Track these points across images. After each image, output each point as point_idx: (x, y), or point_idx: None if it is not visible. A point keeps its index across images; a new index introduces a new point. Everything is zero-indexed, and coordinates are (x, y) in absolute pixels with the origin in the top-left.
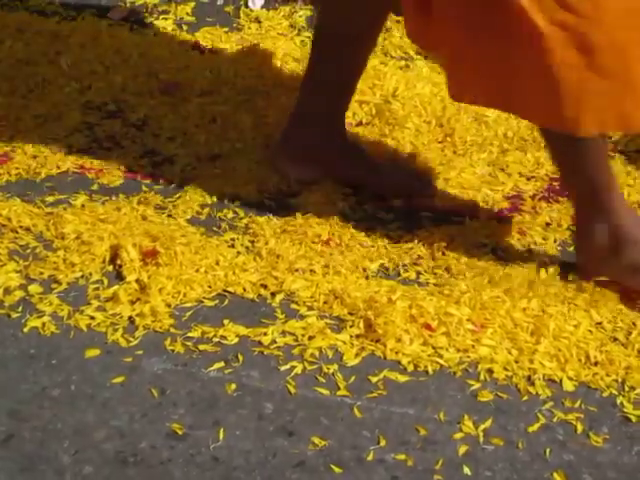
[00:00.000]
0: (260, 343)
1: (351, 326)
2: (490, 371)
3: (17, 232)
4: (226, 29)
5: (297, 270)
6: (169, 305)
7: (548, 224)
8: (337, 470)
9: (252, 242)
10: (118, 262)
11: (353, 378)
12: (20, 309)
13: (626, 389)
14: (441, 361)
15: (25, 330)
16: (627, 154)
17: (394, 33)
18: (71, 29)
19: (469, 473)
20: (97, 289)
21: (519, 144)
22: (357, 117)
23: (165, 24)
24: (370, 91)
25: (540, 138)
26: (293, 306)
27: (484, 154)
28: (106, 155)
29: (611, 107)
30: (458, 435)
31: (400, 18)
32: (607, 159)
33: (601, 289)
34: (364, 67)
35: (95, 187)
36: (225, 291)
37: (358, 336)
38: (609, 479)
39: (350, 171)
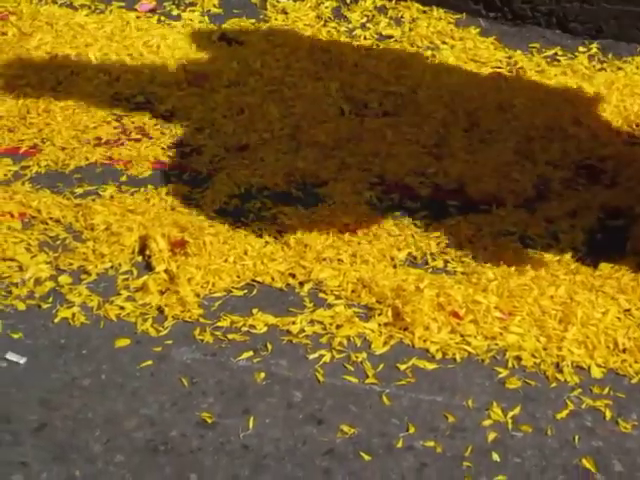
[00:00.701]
0: (289, 332)
1: (379, 314)
2: (518, 358)
3: (47, 224)
4: (253, 20)
5: (325, 259)
6: (198, 295)
7: (575, 212)
8: (366, 457)
9: (280, 232)
10: (147, 252)
11: (381, 366)
12: (50, 300)
13: None
14: (469, 349)
15: (55, 320)
16: None
17: (420, 23)
18: (99, 21)
19: (498, 460)
20: (126, 279)
21: (545, 133)
22: (383, 107)
23: (192, 16)
24: (396, 81)
25: (566, 126)
26: (321, 295)
27: (510, 143)
28: (135, 146)
29: None
30: (487, 422)
31: (426, 8)
32: None
33: (630, 276)
34: None
35: (124, 178)
36: (254, 281)
37: (386, 324)
38: (638, 465)
39: None
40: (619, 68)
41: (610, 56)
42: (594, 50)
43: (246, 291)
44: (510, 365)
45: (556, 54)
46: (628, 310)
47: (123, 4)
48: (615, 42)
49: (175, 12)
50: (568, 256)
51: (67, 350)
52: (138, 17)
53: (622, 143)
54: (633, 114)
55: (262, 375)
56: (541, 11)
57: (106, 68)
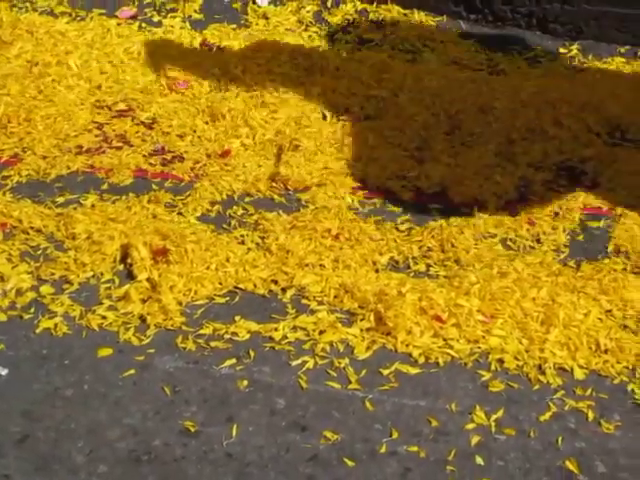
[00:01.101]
0: (271, 339)
1: (362, 320)
2: (501, 361)
3: (28, 233)
4: (234, 26)
5: (307, 265)
6: (180, 303)
7: (557, 213)
8: (350, 463)
9: (262, 238)
10: (129, 261)
11: (364, 371)
12: (32, 310)
13: (637, 376)
14: (452, 352)
15: (37, 331)
16: (635, 142)
17: (402, 26)
18: (80, 29)
19: (482, 463)
20: (108, 288)
21: (526, 134)
22: (365, 111)
23: (173, 22)
24: (378, 85)
25: (547, 128)
26: (304, 301)
27: (492, 145)
28: (116, 154)
29: None
30: (470, 426)
31: (407, 11)
32: None
33: (611, 277)
34: None
35: (105, 186)
36: (236, 288)
37: (369, 329)
38: (621, 466)
39: None
40: (599, 69)
41: (590, 57)
42: (574, 51)
43: (228, 298)
44: (493, 368)
45: (537, 55)
46: (609, 311)
47: (104, 11)
48: (595, 43)
49: (156, 18)
50: (550, 258)
51: (49, 360)
52: (119, 24)
53: (603, 144)
54: (613, 115)
55: (245, 382)
56: (521, 13)
57: (87, 76)
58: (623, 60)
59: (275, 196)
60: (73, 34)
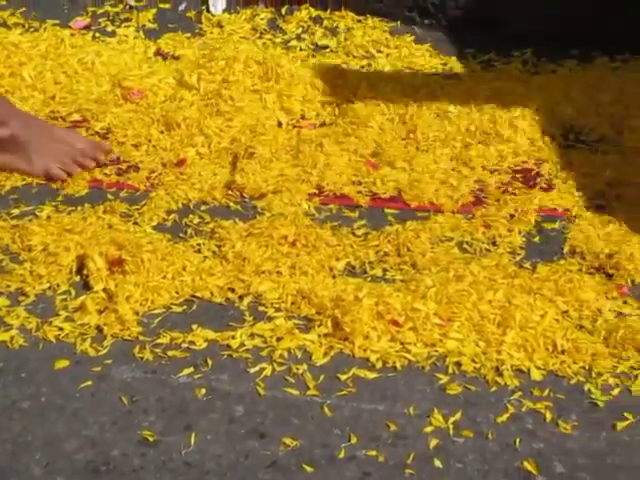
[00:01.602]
0: (229, 347)
1: (319, 325)
2: (458, 364)
3: None
4: (188, 35)
5: (264, 272)
6: (137, 313)
7: (512, 216)
8: (309, 469)
9: (218, 246)
10: (85, 272)
11: (322, 377)
12: None
13: (593, 376)
14: (409, 356)
15: None
16: (589, 144)
17: (355, 32)
18: (33, 40)
19: (440, 466)
20: (65, 300)
21: (482, 138)
22: (321, 117)
23: (127, 32)
24: (333, 91)
25: (502, 131)
26: (261, 308)
27: (447, 149)
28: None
29: None
30: (428, 429)
31: (361, 17)
32: None
33: (567, 277)
34: None
35: (60, 198)
36: (193, 296)
37: (326, 335)
38: (579, 465)
39: None
40: (552, 71)
41: (544, 60)
42: (528, 54)
43: (185, 307)
44: (450, 371)
45: (490, 59)
46: (566, 312)
47: (57, 22)
48: (548, 46)
49: (110, 28)
50: (506, 260)
51: (5, 374)
52: (72, 34)
53: (557, 146)
54: (567, 117)
55: (203, 391)
56: (475, 17)
57: (41, 87)
58: (576, 62)
59: (231, 204)
60: (27, 45)
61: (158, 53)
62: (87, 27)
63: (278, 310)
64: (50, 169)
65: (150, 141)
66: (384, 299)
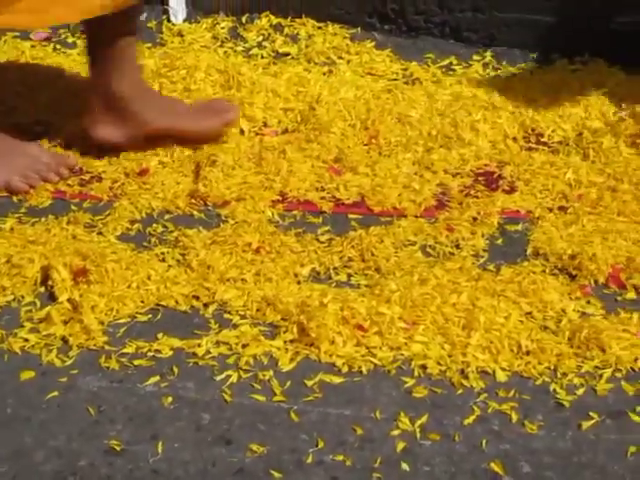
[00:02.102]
0: (194, 354)
1: (285, 332)
2: (424, 367)
3: None
4: (149, 44)
5: (228, 280)
6: (102, 322)
7: (475, 219)
8: (277, 475)
9: (183, 255)
10: (49, 283)
11: (289, 383)
12: None
13: (558, 376)
14: (375, 360)
15: None
16: (550, 146)
17: (316, 39)
18: None
19: (408, 469)
20: (30, 311)
21: (443, 142)
22: (282, 124)
23: None
24: (294, 98)
25: (464, 134)
26: (226, 316)
27: (409, 154)
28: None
29: None
30: (395, 432)
31: (321, 24)
32: None
33: (530, 279)
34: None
35: (23, 209)
36: (158, 305)
37: (292, 341)
38: (545, 465)
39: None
40: (513, 74)
41: (504, 63)
42: (488, 58)
43: (150, 316)
44: (416, 374)
45: (451, 64)
46: (530, 313)
47: (17, 34)
48: (508, 49)
49: (70, 39)
50: (469, 263)
51: None
52: (33, 46)
53: (519, 148)
54: (529, 119)
55: (170, 399)
56: (434, 22)
57: (2, 98)
58: (536, 65)
59: (194, 212)
60: None
61: None
62: (48, 39)
63: (243, 317)
64: (11, 181)
65: (112, 151)
66: (349, 304)
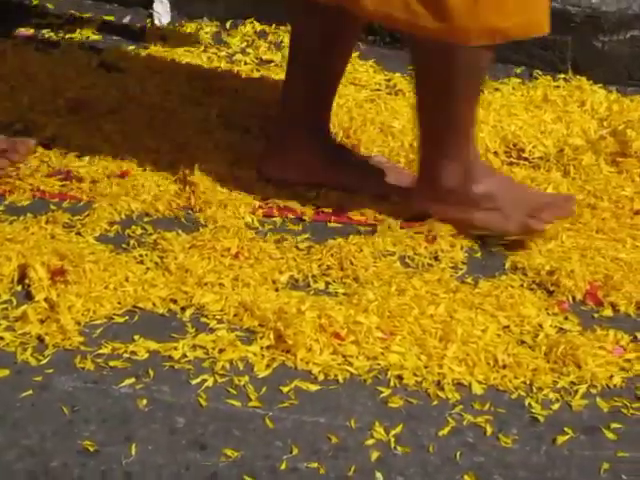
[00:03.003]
0: (170, 358)
1: (261, 337)
2: (400, 377)
3: None
4: (133, 47)
5: (206, 284)
6: (79, 323)
7: (454, 234)
8: None
9: (161, 258)
10: (26, 281)
11: (264, 389)
12: None
13: (534, 390)
14: (351, 369)
15: None
16: (531, 161)
17: None
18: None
19: (382, 479)
20: (6, 309)
21: None
22: (265, 131)
23: (71, 43)
24: (277, 105)
25: None
26: (203, 320)
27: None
28: (13, 174)
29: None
30: (370, 441)
31: None
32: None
33: (508, 292)
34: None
35: (2, 207)
36: (135, 307)
37: (269, 347)
38: (519, 478)
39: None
40: (496, 89)
41: (487, 77)
42: None
43: (127, 318)
44: (392, 384)
45: None
46: (507, 327)
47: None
48: (491, 64)
49: (54, 39)
50: (448, 275)
51: None
52: (16, 44)
53: (500, 163)
54: (510, 134)
55: (144, 401)
56: None
57: None
58: (519, 81)
59: (174, 216)
60: None
61: (102, 64)
62: (31, 37)
63: (220, 322)
64: None
65: (93, 152)
66: (327, 312)
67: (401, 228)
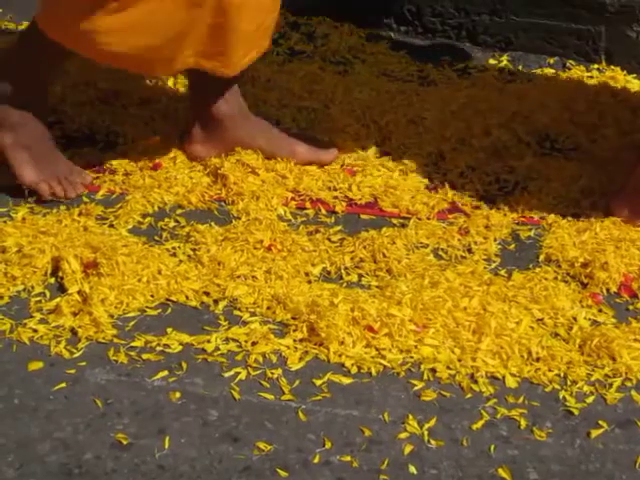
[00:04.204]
0: (203, 350)
1: (294, 330)
2: (433, 370)
3: None
4: None
5: (239, 277)
6: (112, 315)
7: (487, 226)
8: (283, 474)
9: (194, 250)
10: (60, 274)
11: (297, 382)
12: None
13: (568, 383)
14: (384, 362)
15: None
16: (564, 152)
17: (332, 38)
18: (7, 42)
19: (415, 472)
20: (39, 302)
21: (456, 145)
22: (297, 122)
23: None
24: (309, 96)
25: (477, 138)
26: (236, 312)
27: (422, 156)
28: None
29: None
30: (403, 435)
31: (337, 23)
32: None
33: (542, 285)
34: None
35: (36, 199)
36: (168, 300)
37: (301, 340)
38: (553, 472)
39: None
40: (529, 79)
41: (520, 68)
42: (504, 62)
43: (160, 310)
44: (425, 377)
45: (467, 67)
46: (541, 319)
47: None
48: (524, 54)
49: None
50: (481, 267)
51: None
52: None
53: (533, 154)
54: (542, 125)
55: (177, 394)
56: (451, 24)
57: None
58: (552, 71)
59: (207, 208)
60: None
61: None
62: None
63: (253, 315)
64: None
65: (126, 144)
66: (359, 305)
67: (433, 219)
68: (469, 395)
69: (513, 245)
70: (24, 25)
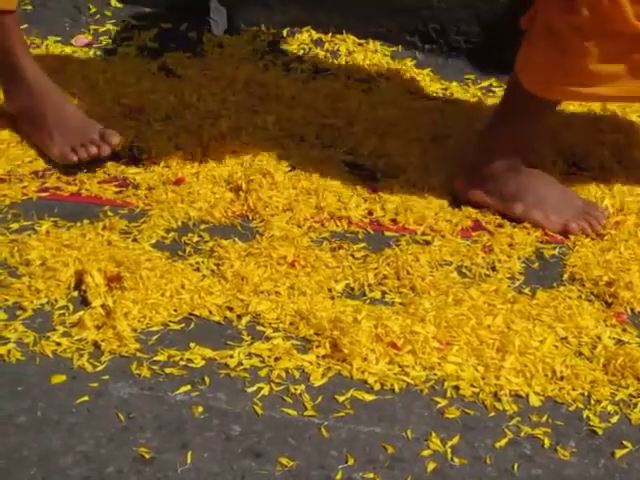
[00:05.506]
0: (226, 365)
1: (317, 346)
2: (457, 388)
3: None
4: (189, 54)
5: (262, 292)
6: (135, 329)
7: (511, 244)
8: None
9: (217, 265)
10: (83, 287)
11: (320, 398)
12: None
13: (592, 403)
14: (407, 379)
15: None
16: (589, 171)
17: (356, 56)
18: (36, 57)
19: None
20: (62, 315)
21: None
22: (320, 140)
23: (128, 50)
24: (333, 114)
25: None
26: (259, 328)
27: (445, 174)
28: (71, 180)
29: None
30: (426, 452)
31: (362, 40)
32: None
33: (566, 304)
34: None
35: (59, 213)
36: (191, 314)
37: (324, 356)
38: None
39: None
40: None
41: None
42: None
43: (183, 325)
44: (449, 395)
45: (491, 85)
46: (565, 338)
47: (59, 39)
48: None
49: (111, 46)
50: (505, 285)
51: (1, 387)
52: (74, 52)
53: (559, 173)
54: (568, 144)
55: (200, 409)
56: (475, 42)
57: None
58: None
59: (230, 223)
60: None
61: (162, 68)
62: (89, 45)
63: (276, 330)
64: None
65: (149, 158)
66: (383, 322)
67: (457, 237)
68: (492, 413)
69: (537, 263)
70: (49, 40)
